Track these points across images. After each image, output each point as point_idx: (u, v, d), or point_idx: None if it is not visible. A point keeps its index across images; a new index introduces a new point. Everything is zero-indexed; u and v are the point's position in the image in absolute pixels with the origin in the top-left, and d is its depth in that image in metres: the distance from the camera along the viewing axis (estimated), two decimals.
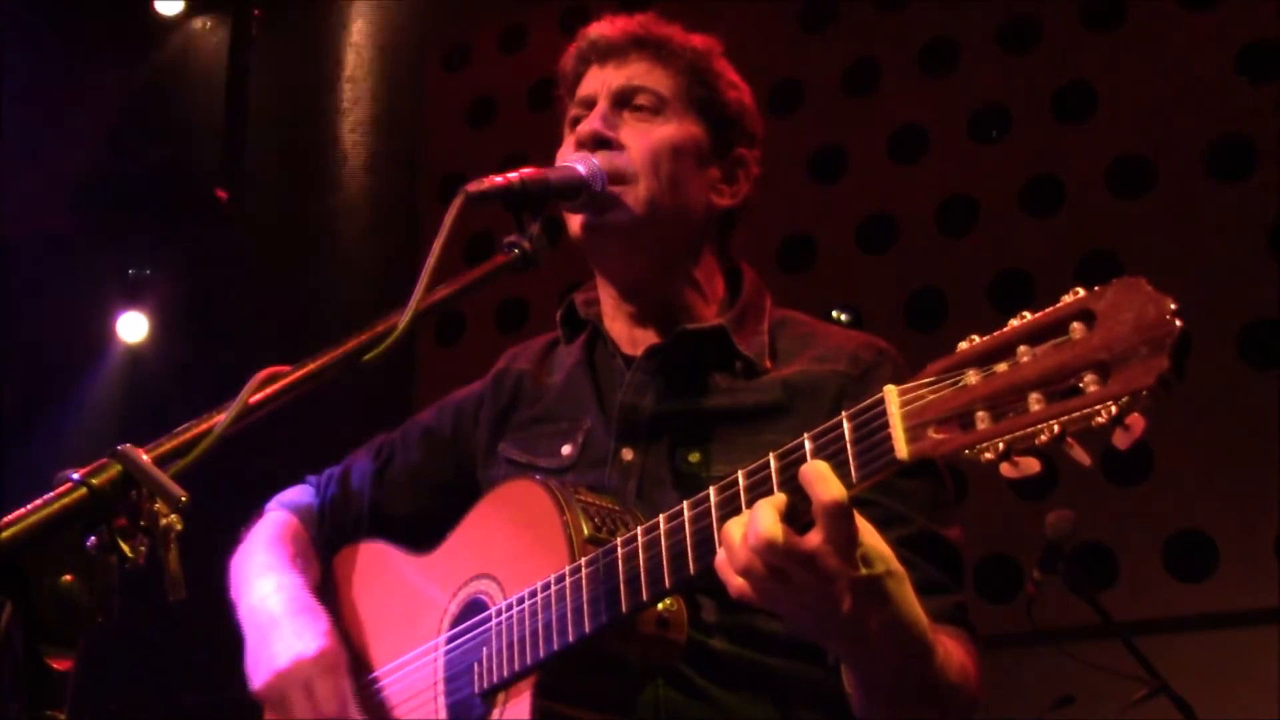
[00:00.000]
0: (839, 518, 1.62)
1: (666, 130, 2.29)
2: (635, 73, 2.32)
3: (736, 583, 1.69)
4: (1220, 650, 4.90)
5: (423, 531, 2.36)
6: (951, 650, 1.89)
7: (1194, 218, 5.27)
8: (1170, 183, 5.38)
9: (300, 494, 2.61)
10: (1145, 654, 4.29)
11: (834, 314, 5.69)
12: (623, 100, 2.30)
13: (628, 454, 2.22)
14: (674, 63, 2.33)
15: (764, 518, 1.64)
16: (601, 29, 2.38)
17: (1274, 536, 4.94)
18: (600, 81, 2.33)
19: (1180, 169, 5.36)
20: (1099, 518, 5.02)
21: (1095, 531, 5.05)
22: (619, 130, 2.26)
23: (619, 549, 1.92)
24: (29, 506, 1.48)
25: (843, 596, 1.65)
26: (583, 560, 1.96)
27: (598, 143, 2.25)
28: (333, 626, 2.29)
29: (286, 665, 2.21)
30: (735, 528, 1.68)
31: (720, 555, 1.71)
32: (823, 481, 1.62)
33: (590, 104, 2.33)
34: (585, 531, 1.99)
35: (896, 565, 1.72)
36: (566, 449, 2.29)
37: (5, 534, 1.44)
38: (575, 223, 2.26)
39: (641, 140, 2.26)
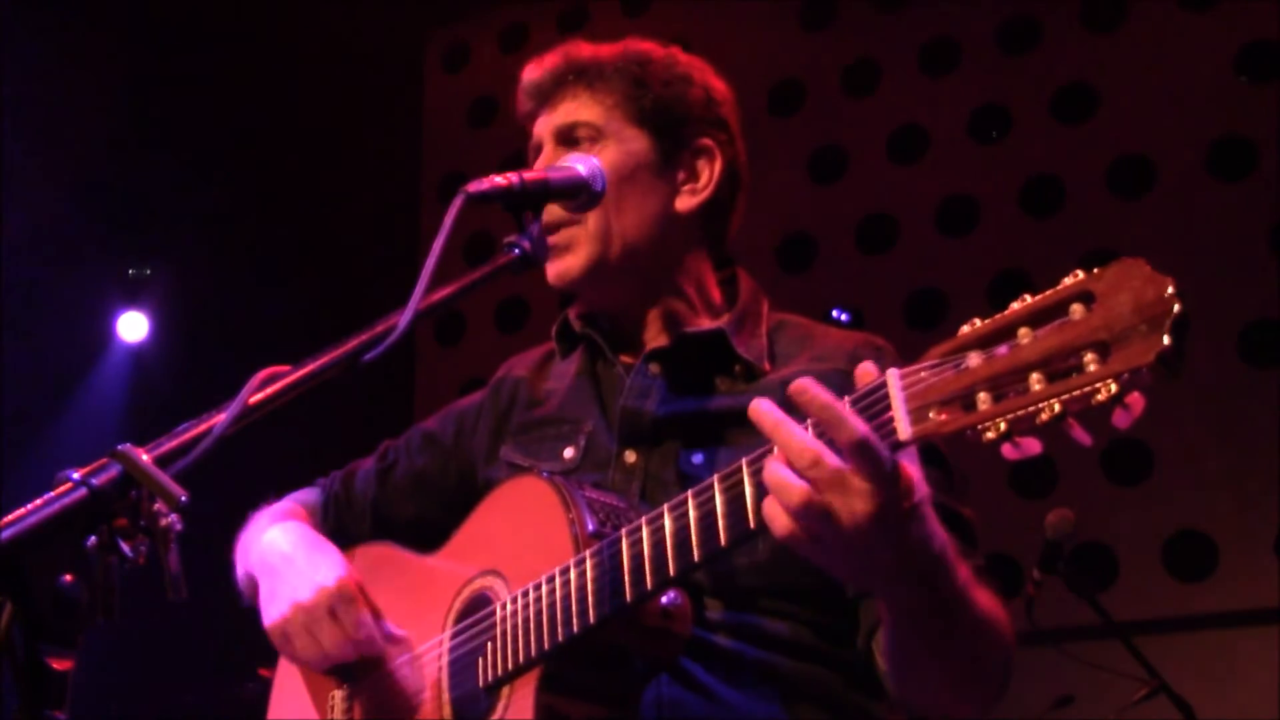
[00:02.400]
0: (863, 454, 1.60)
1: (607, 156, 2.25)
2: (568, 110, 2.32)
3: (783, 523, 1.66)
4: (1220, 650, 4.91)
5: (424, 535, 2.36)
6: (988, 604, 1.88)
7: (1194, 218, 5.27)
8: (1170, 183, 5.39)
9: (306, 493, 2.64)
10: (1145, 654, 4.29)
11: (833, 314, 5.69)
12: (564, 139, 2.31)
13: (630, 456, 2.22)
14: (602, 85, 2.31)
15: (802, 437, 1.63)
16: (530, 74, 2.38)
17: (1274, 536, 4.94)
18: (543, 125, 2.35)
19: (1180, 169, 5.37)
20: (1099, 518, 5.03)
21: (1095, 531, 5.05)
22: None
23: (623, 539, 1.92)
24: (29, 506, 1.48)
25: (890, 514, 1.63)
26: (587, 553, 1.96)
27: None
28: (346, 559, 2.29)
29: (308, 597, 2.20)
30: (777, 467, 1.66)
31: (768, 502, 1.68)
32: (841, 424, 1.60)
33: (539, 149, 2.35)
34: (590, 527, 2.00)
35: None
36: (568, 452, 2.30)
37: (5, 534, 1.44)
38: (549, 273, 2.28)
39: None
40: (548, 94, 2.34)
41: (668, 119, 2.31)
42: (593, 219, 2.23)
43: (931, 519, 1.71)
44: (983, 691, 1.98)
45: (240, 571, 2.48)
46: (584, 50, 2.35)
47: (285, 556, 2.31)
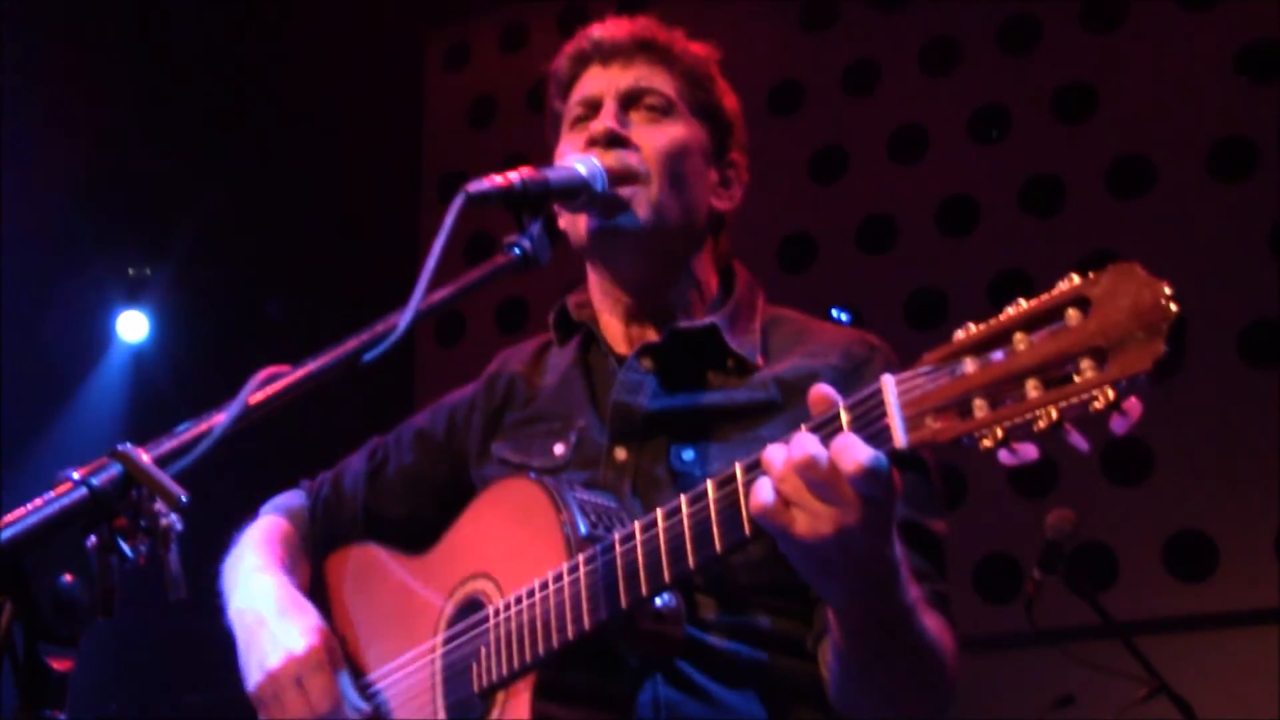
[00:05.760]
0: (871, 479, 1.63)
1: (676, 129, 2.29)
2: (642, 74, 2.32)
3: (761, 499, 1.69)
4: (1220, 650, 4.91)
5: (417, 534, 2.35)
6: (935, 628, 1.91)
7: (1194, 218, 5.27)
8: (1170, 183, 5.39)
9: (292, 497, 2.61)
10: (1145, 654, 4.29)
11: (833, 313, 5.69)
12: (631, 100, 2.30)
13: (621, 453, 2.21)
14: (676, 66, 2.34)
15: (809, 441, 1.65)
16: (605, 30, 2.37)
17: (1274, 536, 4.94)
18: (606, 81, 2.32)
19: (1180, 169, 5.37)
20: (1099, 518, 5.02)
21: (1095, 531, 5.05)
22: (629, 130, 2.26)
23: (617, 545, 1.92)
24: (29, 506, 1.47)
25: (855, 528, 1.66)
26: (580, 557, 1.95)
27: (611, 140, 2.24)
28: (321, 622, 2.28)
29: (278, 665, 2.20)
30: (778, 450, 1.69)
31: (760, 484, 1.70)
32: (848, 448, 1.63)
33: (594, 104, 2.32)
34: (582, 529, 1.99)
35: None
36: (559, 449, 2.29)
37: (5, 534, 1.44)
38: (581, 227, 2.25)
39: (654, 139, 2.26)
40: (621, 53, 2.34)
41: (719, 123, 2.38)
42: (656, 183, 2.24)
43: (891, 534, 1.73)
44: (917, 713, 1.99)
45: (224, 599, 2.46)
46: (661, 31, 2.38)
47: (261, 620, 2.29)
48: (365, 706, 2.25)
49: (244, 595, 2.37)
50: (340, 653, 2.27)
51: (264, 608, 2.31)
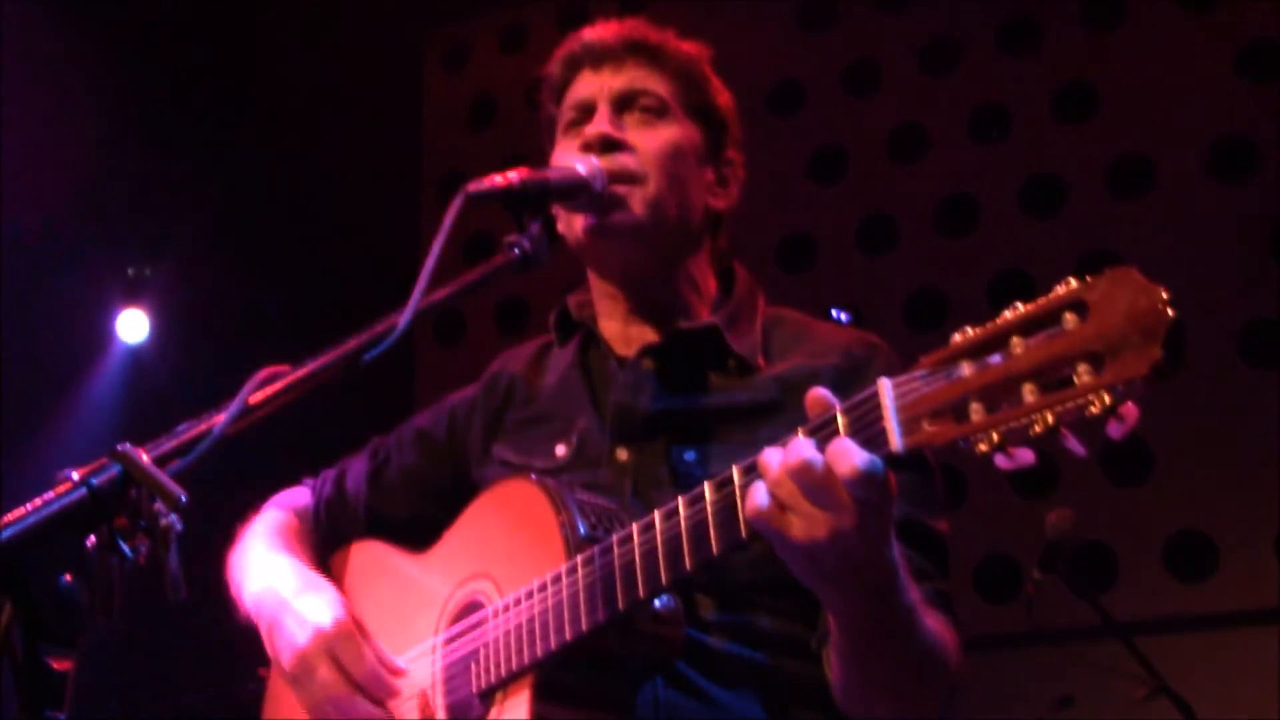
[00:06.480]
0: (867, 483, 1.63)
1: (671, 131, 2.30)
2: (634, 76, 2.33)
3: (756, 503, 1.69)
4: (1220, 650, 4.91)
5: (419, 533, 2.36)
6: (936, 628, 1.92)
7: (1194, 218, 5.27)
8: (1170, 183, 5.39)
9: (296, 495, 2.61)
10: (1145, 654, 4.29)
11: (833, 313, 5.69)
12: (625, 103, 2.31)
13: (622, 454, 2.22)
14: (668, 67, 2.35)
15: (804, 446, 1.66)
16: (596, 33, 2.38)
17: (1274, 536, 4.94)
18: (598, 85, 2.33)
19: (1180, 169, 5.37)
20: (1099, 518, 5.03)
21: (1095, 531, 5.05)
22: (624, 133, 2.27)
23: (615, 547, 1.92)
24: (29, 506, 1.48)
25: (851, 533, 1.66)
26: (579, 559, 1.96)
27: (606, 145, 2.24)
28: (340, 595, 2.28)
29: (307, 642, 2.19)
30: (774, 454, 1.69)
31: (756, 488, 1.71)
32: (844, 454, 1.63)
33: (587, 108, 2.32)
34: (582, 531, 1.99)
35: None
36: (561, 449, 2.29)
37: (5, 534, 1.44)
38: (578, 226, 2.25)
39: (649, 141, 2.27)
40: (612, 56, 2.34)
41: (714, 122, 2.39)
42: (652, 184, 2.24)
43: (889, 536, 1.73)
44: (921, 713, 1.99)
45: (236, 589, 2.46)
46: (652, 32, 2.39)
47: (282, 602, 2.29)
48: (399, 666, 2.23)
49: (260, 580, 2.37)
50: (363, 625, 2.26)
51: (283, 589, 2.31)
